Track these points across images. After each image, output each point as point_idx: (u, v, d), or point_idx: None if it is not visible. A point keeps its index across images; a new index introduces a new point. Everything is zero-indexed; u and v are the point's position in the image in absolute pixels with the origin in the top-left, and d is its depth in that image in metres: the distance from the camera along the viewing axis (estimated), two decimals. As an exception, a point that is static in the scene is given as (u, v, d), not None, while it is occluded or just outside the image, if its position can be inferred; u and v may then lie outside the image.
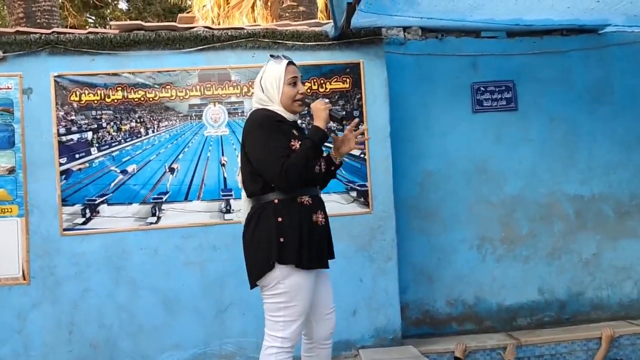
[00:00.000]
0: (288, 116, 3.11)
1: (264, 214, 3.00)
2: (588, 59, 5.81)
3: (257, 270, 3.03)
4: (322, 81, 5.11)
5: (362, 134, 3.30)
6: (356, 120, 3.36)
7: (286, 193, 2.99)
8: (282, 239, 2.93)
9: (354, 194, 5.10)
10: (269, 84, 3.09)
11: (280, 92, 3.07)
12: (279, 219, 2.96)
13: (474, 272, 5.65)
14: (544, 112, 5.75)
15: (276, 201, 3.00)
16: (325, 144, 3.13)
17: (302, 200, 3.02)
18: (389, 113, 5.18)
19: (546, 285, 5.73)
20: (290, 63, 3.16)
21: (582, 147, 5.80)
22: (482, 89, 5.70)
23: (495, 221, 5.70)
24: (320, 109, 3.05)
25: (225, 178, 5.00)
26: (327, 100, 3.15)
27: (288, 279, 2.95)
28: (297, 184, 2.97)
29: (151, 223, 4.91)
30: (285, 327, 2.98)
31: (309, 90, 5.07)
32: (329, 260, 3.22)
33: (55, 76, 4.85)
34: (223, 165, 5.01)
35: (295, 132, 3.07)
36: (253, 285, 3.10)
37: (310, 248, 2.98)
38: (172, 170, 4.97)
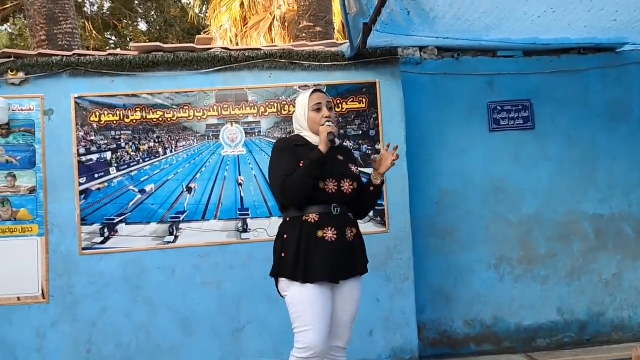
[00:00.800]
0: (315, 140, 3.33)
1: (280, 231, 3.36)
2: (606, 77, 5.79)
3: (275, 282, 3.34)
4: (338, 101, 5.14)
5: (395, 149, 3.49)
6: (390, 143, 3.56)
7: (297, 211, 3.26)
8: (283, 254, 3.23)
9: (370, 213, 5.09)
10: (298, 112, 3.42)
11: (306, 118, 3.36)
12: (285, 236, 3.28)
13: (492, 292, 5.60)
14: (562, 131, 5.73)
15: (288, 219, 3.32)
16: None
17: (308, 218, 3.23)
18: (405, 132, 5.19)
19: (566, 306, 5.66)
20: (317, 91, 3.42)
21: (600, 166, 5.76)
22: (498, 108, 5.69)
23: (513, 241, 5.66)
24: (321, 132, 3.26)
25: (242, 197, 5.03)
26: (330, 123, 3.31)
27: (289, 290, 3.22)
28: (296, 199, 3.21)
29: (169, 242, 4.94)
30: (298, 337, 3.18)
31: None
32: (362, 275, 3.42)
33: (75, 97, 4.93)
34: (240, 184, 5.04)
35: None
36: (281, 295, 3.34)
37: (309, 263, 3.16)
38: (189, 189, 5.01)
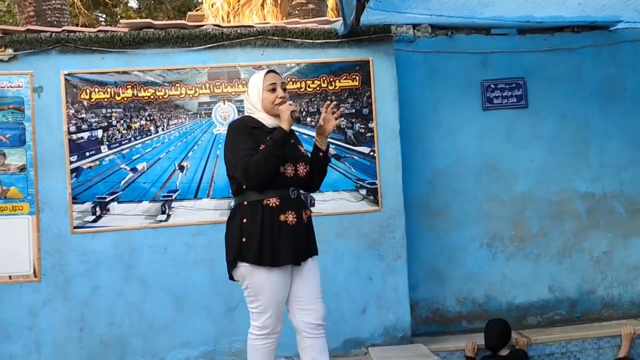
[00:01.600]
0: (269, 122, 3.33)
1: (235, 216, 3.30)
2: (599, 55, 5.77)
3: (228, 267, 3.33)
4: (331, 79, 5.11)
5: (337, 108, 3.47)
6: (329, 102, 3.50)
7: (256, 195, 3.22)
8: (244, 239, 3.19)
9: (363, 191, 5.09)
10: (251, 91, 3.38)
11: (260, 98, 3.33)
12: (244, 220, 3.22)
13: (484, 270, 5.63)
14: (555, 110, 5.73)
15: (245, 203, 3.26)
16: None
17: (269, 202, 3.21)
18: (398, 111, 5.16)
19: (557, 284, 5.70)
20: (271, 71, 3.42)
21: (593, 145, 5.77)
22: (492, 86, 5.67)
23: (506, 219, 5.68)
24: (282, 111, 3.24)
25: (234, 176, 4.99)
26: (291, 103, 3.33)
27: (251, 275, 3.22)
28: (259, 180, 3.17)
29: (161, 221, 4.92)
30: (257, 317, 3.27)
31: (318, 88, 5.07)
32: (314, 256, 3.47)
33: (65, 74, 4.87)
34: (232, 163, 5.00)
35: (270, 137, 3.23)
36: (231, 278, 3.39)
37: (274, 247, 3.18)
38: (181, 168, 4.98)
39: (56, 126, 4.85)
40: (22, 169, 4.82)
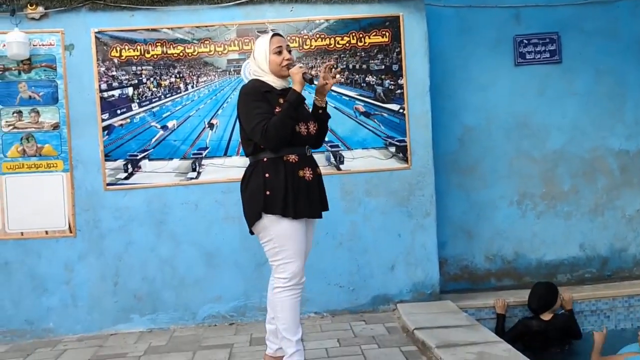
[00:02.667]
0: (278, 84, 3.40)
1: (255, 171, 3.37)
2: (636, 9, 5.63)
3: (250, 220, 3.39)
4: (360, 35, 5.05)
5: (334, 68, 3.57)
6: (328, 63, 3.57)
7: (274, 152, 3.31)
8: (268, 192, 3.28)
9: (392, 149, 5.07)
10: (258, 55, 3.41)
11: (267, 61, 3.38)
12: (267, 175, 3.30)
13: (514, 228, 5.62)
14: (590, 65, 5.61)
15: (265, 159, 3.33)
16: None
17: (289, 158, 3.32)
18: (428, 67, 5.09)
19: (588, 242, 5.67)
20: (276, 34, 3.45)
21: (629, 100, 5.66)
22: (525, 41, 5.56)
23: (537, 177, 5.63)
24: (294, 73, 3.32)
25: (264, 133, 5.01)
26: (301, 65, 3.40)
27: (276, 226, 3.30)
28: (278, 142, 3.26)
29: (191, 178, 4.98)
30: (285, 268, 3.33)
31: (347, 44, 5.02)
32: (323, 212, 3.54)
33: (95, 32, 4.89)
34: (262, 120, 5.01)
35: (282, 100, 3.32)
36: (251, 232, 3.46)
37: (296, 199, 3.29)
38: (211, 125, 5.01)
39: (87, 84, 4.90)
40: (56, 126, 4.89)
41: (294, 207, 3.27)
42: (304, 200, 3.32)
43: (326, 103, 3.54)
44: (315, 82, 3.46)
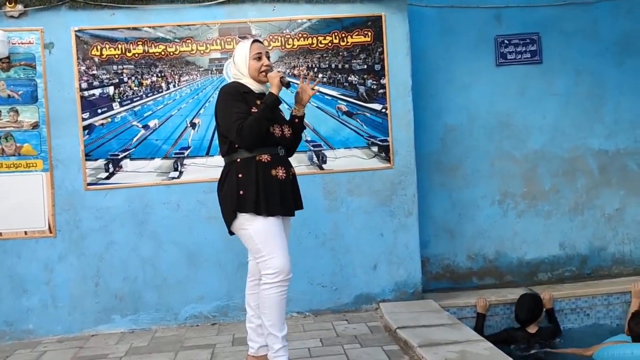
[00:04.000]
0: (256, 87, 3.53)
1: (229, 172, 3.47)
2: (616, 10, 5.69)
3: (227, 219, 3.49)
4: (343, 35, 5.05)
5: (313, 81, 3.76)
6: (306, 74, 3.84)
7: (248, 152, 3.41)
8: (241, 192, 3.38)
9: (375, 149, 5.08)
10: (238, 59, 3.55)
11: (247, 65, 3.51)
12: (240, 175, 3.41)
13: (495, 227, 5.66)
14: (570, 65, 5.67)
15: (239, 160, 3.43)
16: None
17: (261, 158, 3.41)
18: (410, 67, 5.11)
19: (568, 241, 5.73)
20: (256, 41, 3.60)
21: (608, 101, 5.72)
22: (506, 41, 5.60)
23: (518, 176, 5.68)
24: (272, 77, 3.46)
25: (246, 133, 5.00)
26: (279, 70, 3.55)
27: (252, 224, 3.39)
28: (252, 141, 3.37)
29: (173, 178, 4.95)
30: (270, 263, 3.37)
31: (329, 44, 5.03)
32: (296, 211, 3.64)
33: (76, 30, 4.85)
34: (244, 120, 5.01)
35: (259, 101, 3.45)
36: (230, 232, 3.55)
37: (268, 198, 3.38)
38: (193, 125, 4.98)
39: (68, 83, 4.85)
40: (35, 126, 4.84)
41: (266, 205, 3.36)
42: (278, 198, 3.42)
43: (304, 114, 3.65)
44: (292, 91, 3.63)
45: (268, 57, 3.58)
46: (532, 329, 4.94)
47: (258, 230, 3.38)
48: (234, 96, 3.45)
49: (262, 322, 3.47)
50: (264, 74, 3.50)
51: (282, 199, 3.45)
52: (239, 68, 3.54)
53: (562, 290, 5.34)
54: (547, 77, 5.65)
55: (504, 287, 5.53)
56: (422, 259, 5.24)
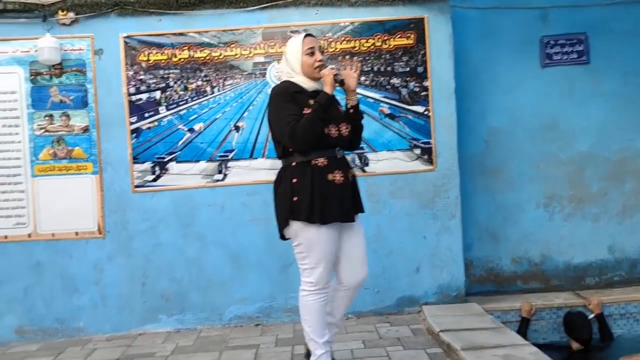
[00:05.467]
0: (309, 86, 3.37)
1: (284, 176, 3.35)
2: (666, 9, 5.54)
3: (279, 225, 3.41)
4: (385, 37, 5.06)
5: (356, 66, 3.51)
6: (350, 59, 3.62)
7: (303, 156, 3.28)
8: (295, 198, 3.26)
9: (417, 151, 5.07)
10: (290, 56, 3.39)
11: (300, 62, 3.35)
12: (294, 180, 3.28)
13: (541, 230, 5.57)
14: (618, 66, 5.55)
15: (294, 164, 3.31)
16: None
17: (317, 162, 3.27)
18: (453, 69, 5.09)
19: (617, 244, 5.60)
20: (308, 35, 3.44)
21: (657, 103, 5.59)
22: (552, 42, 5.52)
23: (564, 179, 5.58)
24: (325, 75, 3.30)
25: (289, 136, 5.05)
26: (333, 67, 3.35)
27: (303, 232, 3.28)
28: (306, 144, 3.24)
29: (218, 180, 5.03)
30: (310, 273, 3.33)
31: (372, 47, 5.04)
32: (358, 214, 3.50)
33: (124, 37, 4.98)
34: (287, 123, 5.06)
35: (311, 101, 3.29)
36: (281, 237, 3.46)
37: (323, 205, 3.24)
38: (237, 128, 5.06)
39: (116, 88, 4.99)
40: (86, 129, 4.99)
41: (321, 213, 3.24)
42: (335, 204, 3.28)
43: (357, 102, 3.47)
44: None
45: (322, 52, 3.42)
46: (577, 346, 4.84)
47: (307, 239, 3.29)
48: (283, 97, 3.31)
49: (304, 330, 3.43)
50: (317, 70, 3.34)
51: (340, 205, 3.30)
52: (292, 65, 3.39)
53: (611, 295, 5.23)
54: (594, 78, 5.55)
55: (550, 291, 5.44)
56: (466, 262, 5.21)
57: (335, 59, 5.04)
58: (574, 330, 4.87)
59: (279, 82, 3.57)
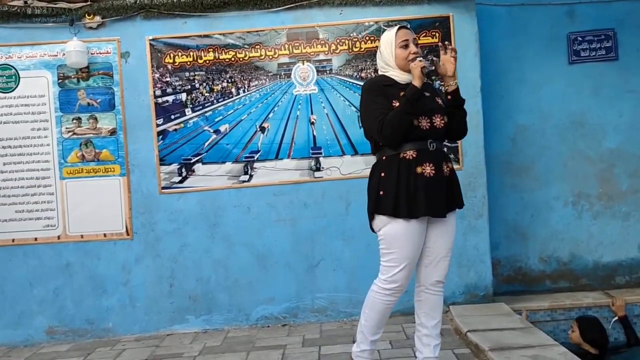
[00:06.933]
0: (402, 78, 3.29)
1: (375, 170, 3.33)
2: (697, 2, 5.44)
3: (369, 218, 3.35)
4: (410, 36, 5.03)
5: (453, 50, 3.39)
6: (444, 44, 3.44)
7: (393, 150, 3.22)
8: (381, 192, 3.21)
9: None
10: (384, 49, 3.34)
11: (393, 55, 3.30)
12: (382, 174, 3.24)
13: (569, 229, 5.51)
14: (648, 62, 5.46)
15: (384, 157, 3.27)
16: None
17: (406, 155, 3.19)
18: (479, 67, 5.05)
19: (647, 243, 5.52)
20: (402, 28, 3.37)
21: (688, 98, 5.48)
22: (579, 38, 5.45)
23: (593, 177, 5.50)
24: (413, 67, 3.19)
25: (314, 136, 5.05)
26: (421, 59, 3.24)
27: (386, 227, 3.22)
28: (395, 138, 3.17)
29: (244, 181, 5.05)
30: (386, 271, 3.26)
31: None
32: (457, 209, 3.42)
33: (150, 39, 5.02)
34: (312, 123, 5.06)
35: (402, 93, 3.20)
36: (372, 230, 3.38)
37: (410, 199, 3.15)
38: (262, 129, 5.07)
39: (143, 90, 5.03)
40: (113, 132, 5.04)
41: (407, 207, 3.15)
42: (423, 198, 3.16)
43: (457, 88, 3.36)
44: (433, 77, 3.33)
45: (416, 45, 3.32)
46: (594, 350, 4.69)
47: (390, 234, 3.21)
48: (373, 91, 3.27)
49: (360, 320, 3.39)
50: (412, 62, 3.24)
51: (429, 199, 3.16)
52: (385, 59, 3.33)
53: (640, 295, 5.17)
54: (623, 74, 5.46)
55: (579, 290, 5.37)
56: (493, 262, 5.16)
57: (360, 58, 5.03)
58: (587, 335, 4.74)
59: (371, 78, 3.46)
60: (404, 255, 3.22)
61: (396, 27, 3.36)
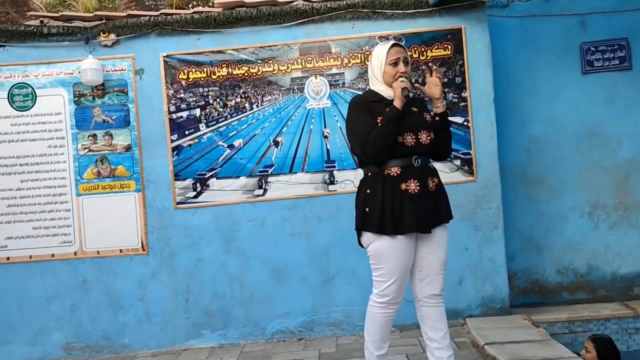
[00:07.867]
0: (389, 94, 3.29)
1: (362, 186, 3.36)
2: None
3: (357, 235, 3.38)
4: (422, 49, 5.05)
5: (438, 71, 3.43)
6: (429, 66, 3.51)
7: (377, 166, 3.25)
8: (367, 209, 3.24)
9: (457, 162, 5.03)
10: (374, 64, 3.36)
11: (382, 71, 3.31)
12: (367, 191, 3.27)
13: (586, 239, 5.46)
14: (662, 71, 5.43)
15: (369, 174, 3.31)
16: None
17: (390, 171, 3.22)
18: (492, 78, 5.05)
19: (666, 253, 5.46)
20: (395, 45, 3.33)
21: (703, 107, 5.44)
22: (592, 49, 5.44)
23: (608, 187, 5.47)
24: (395, 87, 3.22)
25: (328, 150, 5.07)
26: (403, 79, 3.25)
27: (373, 244, 3.26)
28: (377, 156, 3.21)
29: (258, 195, 5.07)
30: (378, 285, 3.31)
31: (410, 59, 5.01)
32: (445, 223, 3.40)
33: (164, 56, 5.07)
34: (326, 137, 5.08)
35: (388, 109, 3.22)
36: (360, 245, 3.41)
37: (395, 216, 3.17)
38: (276, 143, 5.09)
39: (157, 106, 5.07)
40: (128, 148, 5.08)
41: (392, 224, 3.17)
42: (408, 214, 3.17)
43: (444, 110, 3.36)
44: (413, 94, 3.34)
45: (407, 63, 3.32)
46: None
47: (377, 250, 3.24)
48: (359, 108, 3.30)
49: (364, 337, 3.41)
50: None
51: (415, 215, 3.17)
52: (374, 72, 3.35)
53: (660, 306, 5.11)
54: (637, 83, 5.43)
55: (596, 302, 5.32)
56: (509, 273, 5.13)
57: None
58: (604, 358, 4.62)
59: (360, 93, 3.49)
60: (392, 270, 3.25)
61: (390, 43, 3.33)
